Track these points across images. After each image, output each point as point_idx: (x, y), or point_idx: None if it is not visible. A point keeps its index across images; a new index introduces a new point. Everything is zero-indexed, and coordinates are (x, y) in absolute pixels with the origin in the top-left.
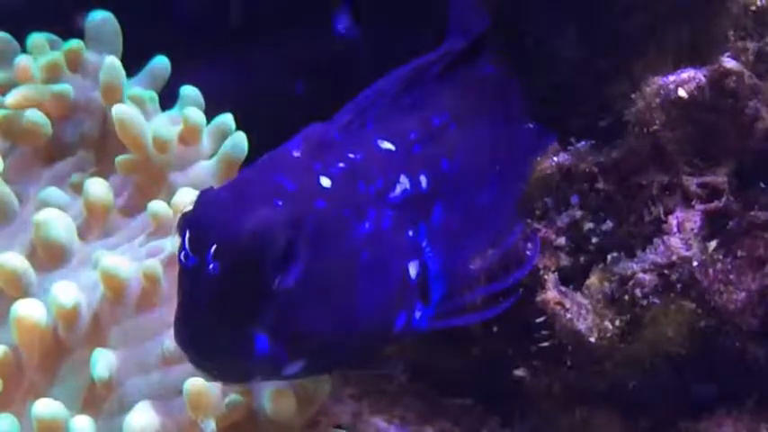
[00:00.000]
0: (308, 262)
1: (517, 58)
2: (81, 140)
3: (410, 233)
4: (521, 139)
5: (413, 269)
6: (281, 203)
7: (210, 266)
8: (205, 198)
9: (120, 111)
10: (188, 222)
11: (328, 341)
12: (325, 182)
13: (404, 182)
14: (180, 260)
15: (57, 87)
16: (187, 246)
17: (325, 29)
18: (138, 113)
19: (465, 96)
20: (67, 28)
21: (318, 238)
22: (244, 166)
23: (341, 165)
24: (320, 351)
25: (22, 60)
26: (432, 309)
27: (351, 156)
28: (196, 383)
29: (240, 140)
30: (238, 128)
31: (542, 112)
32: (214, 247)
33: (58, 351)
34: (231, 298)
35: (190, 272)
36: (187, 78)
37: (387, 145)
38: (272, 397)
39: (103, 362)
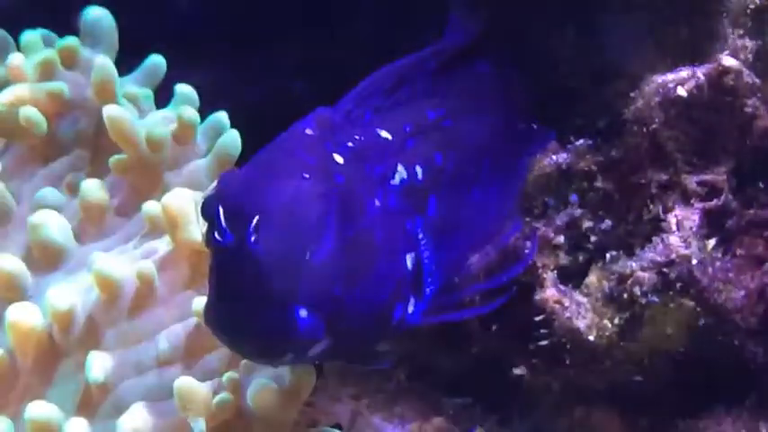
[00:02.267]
0: (337, 234)
1: (517, 58)
2: (77, 138)
3: (408, 224)
4: (519, 138)
5: (409, 261)
6: (307, 176)
7: (252, 240)
8: (232, 177)
9: (111, 111)
10: (221, 201)
11: (351, 320)
12: (339, 159)
13: (401, 171)
14: (214, 240)
15: (51, 85)
16: (224, 223)
17: (324, 29)
18: (130, 113)
19: (462, 93)
20: (64, 25)
21: (342, 212)
22: (238, 164)
23: (349, 144)
24: (343, 331)
25: (14, 59)
26: (424, 303)
27: (357, 137)
28: (185, 382)
29: (234, 138)
30: (233, 127)
31: (542, 111)
32: (253, 219)
33: (53, 354)
34: (275, 271)
35: (228, 250)
36: (183, 77)
37: (385, 134)
38: (254, 391)
39: (98, 364)
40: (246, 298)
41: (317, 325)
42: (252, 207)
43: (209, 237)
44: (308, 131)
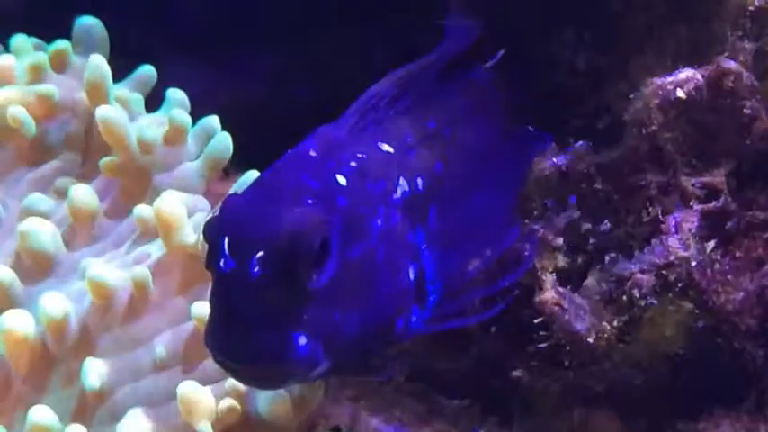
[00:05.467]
0: (339, 259)
1: (516, 59)
2: (66, 142)
3: (410, 236)
4: (518, 142)
5: (411, 272)
6: (311, 202)
7: (255, 269)
8: (236, 202)
9: (105, 112)
10: (224, 226)
11: (352, 340)
12: (342, 180)
13: (403, 184)
14: (217, 266)
15: (41, 88)
16: (227, 250)
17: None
18: (123, 115)
19: (460, 100)
20: (64, 27)
21: (345, 235)
22: (228, 167)
23: (352, 164)
24: (345, 351)
25: (5, 61)
26: (428, 312)
27: (359, 156)
28: (189, 388)
29: (224, 141)
30: (226, 130)
31: (541, 113)
32: (255, 248)
33: (47, 362)
34: (276, 299)
35: (229, 277)
36: (174, 81)
37: (387, 147)
38: (268, 401)
39: (94, 371)
40: (247, 325)
41: (316, 350)
42: (255, 235)
43: (210, 261)
44: (312, 153)
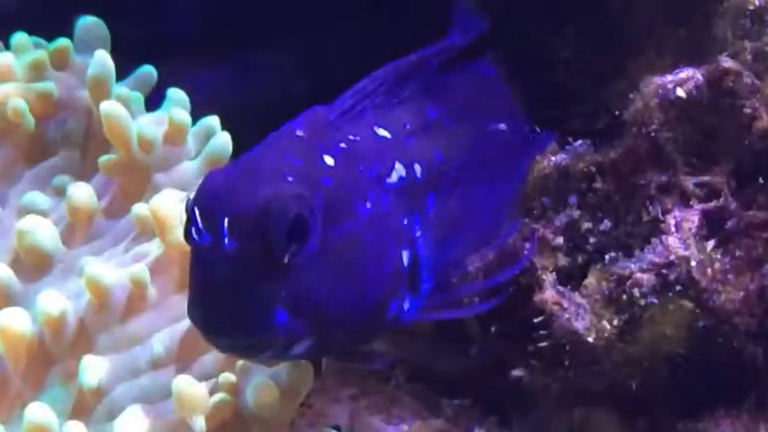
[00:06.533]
0: (320, 236)
1: (516, 58)
2: (64, 140)
3: (405, 221)
4: (519, 139)
5: (405, 258)
6: (290, 179)
7: (226, 242)
8: (214, 177)
9: (109, 107)
10: (199, 200)
11: (338, 319)
12: (329, 160)
13: (399, 169)
14: (193, 239)
15: (40, 85)
16: (200, 223)
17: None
18: (126, 112)
19: (462, 93)
20: (58, 32)
21: (327, 214)
22: None
23: (342, 145)
24: (329, 329)
25: (4, 59)
26: (420, 301)
27: (351, 138)
28: (184, 382)
29: (224, 141)
30: (227, 130)
31: (541, 113)
32: (228, 221)
33: (45, 360)
34: (249, 272)
35: (204, 249)
36: (175, 81)
37: (383, 132)
38: (254, 390)
39: (92, 369)
40: (222, 298)
41: (297, 325)
42: (227, 209)
43: (187, 234)
44: (299, 132)
